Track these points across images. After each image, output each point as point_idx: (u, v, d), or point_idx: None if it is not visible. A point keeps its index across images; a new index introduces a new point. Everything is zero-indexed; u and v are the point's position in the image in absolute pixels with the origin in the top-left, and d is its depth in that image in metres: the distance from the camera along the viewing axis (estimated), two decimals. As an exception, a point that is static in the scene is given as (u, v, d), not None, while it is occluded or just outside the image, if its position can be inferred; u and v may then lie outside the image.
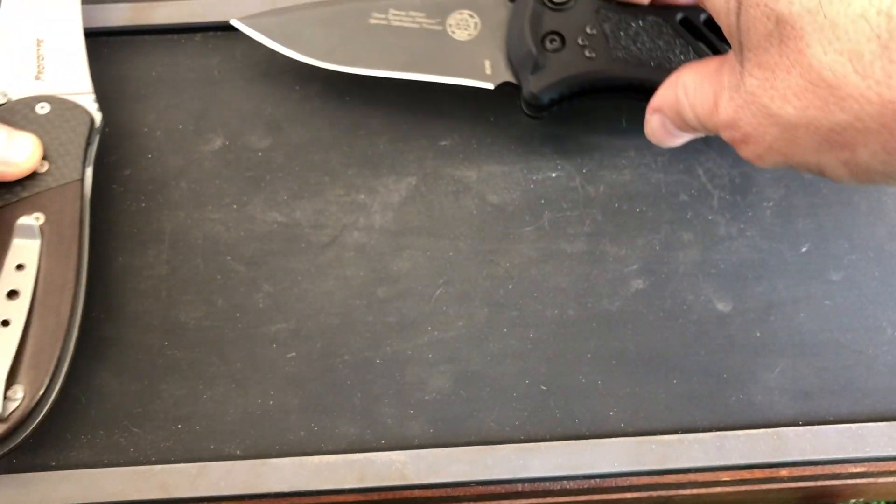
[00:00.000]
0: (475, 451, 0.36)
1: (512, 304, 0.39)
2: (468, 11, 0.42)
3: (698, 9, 0.39)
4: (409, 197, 0.41)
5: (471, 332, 0.38)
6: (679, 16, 0.39)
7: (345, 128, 0.43)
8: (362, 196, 0.41)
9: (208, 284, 0.39)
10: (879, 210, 0.41)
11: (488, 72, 0.41)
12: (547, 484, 0.36)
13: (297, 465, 0.36)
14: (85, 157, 0.38)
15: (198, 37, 0.46)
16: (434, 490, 0.36)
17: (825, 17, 0.25)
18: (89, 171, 0.38)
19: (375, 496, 0.36)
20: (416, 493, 0.36)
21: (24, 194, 0.36)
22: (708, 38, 0.39)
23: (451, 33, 0.41)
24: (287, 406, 0.37)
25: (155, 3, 0.45)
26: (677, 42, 0.39)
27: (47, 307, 0.35)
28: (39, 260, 0.35)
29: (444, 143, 0.43)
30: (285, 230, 0.41)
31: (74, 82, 0.40)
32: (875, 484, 0.38)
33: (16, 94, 0.38)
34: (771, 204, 0.41)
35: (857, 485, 0.38)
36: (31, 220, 0.36)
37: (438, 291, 0.39)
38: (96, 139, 0.39)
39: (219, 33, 0.46)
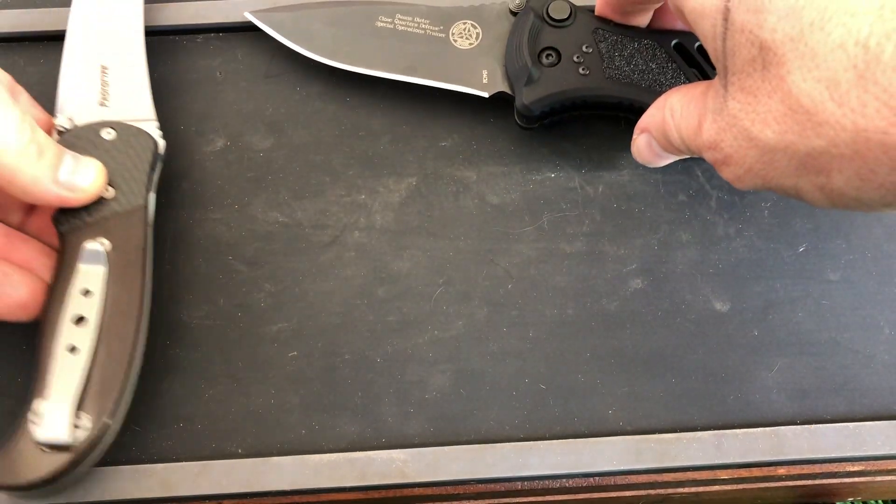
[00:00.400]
0: (475, 449, 0.36)
1: (511, 303, 0.39)
2: (471, 22, 0.43)
3: (693, 35, 0.40)
4: (409, 197, 0.42)
5: (471, 332, 0.39)
6: (674, 41, 0.40)
7: (346, 129, 0.43)
8: (363, 196, 0.42)
9: (210, 284, 0.40)
10: (877, 210, 0.41)
11: (485, 81, 0.42)
12: (546, 482, 0.36)
13: (298, 464, 0.36)
14: (149, 183, 0.38)
15: (199, 38, 0.46)
16: (434, 488, 0.36)
17: (806, 45, 0.25)
18: (152, 197, 0.38)
19: (376, 494, 0.36)
20: (417, 491, 0.36)
21: (90, 220, 0.36)
22: (700, 65, 0.41)
23: (453, 41, 0.42)
24: (288, 405, 0.37)
25: (156, 5, 0.46)
26: (669, 66, 0.40)
27: (113, 334, 0.34)
28: (105, 286, 0.35)
29: (444, 143, 0.43)
30: (286, 230, 0.41)
31: (137, 109, 0.40)
32: (873, 483, 0.38)
33: (81, 120, 0.38)
34: (769, 204, 0.41)
35: (854, 483, 0.38)
36: (97, 245, 0.35)
37: (438, 291, 0.40)
38: (159, 165, 0.39)
39: (220, 34, 0.46)
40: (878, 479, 0.37)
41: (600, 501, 0.38)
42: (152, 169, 0.38)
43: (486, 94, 0.42)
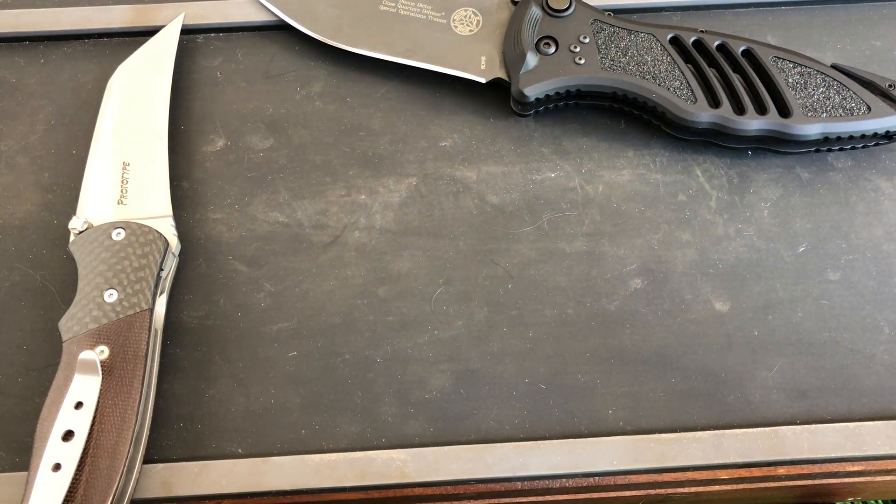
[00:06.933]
0: (475, 449, 0.36)
1: (511, 303, 0.39)
2: (472, 9, 0.44)
3: (689, 30, 0.42)
4: (409, 197, 0.42)
5: (471, 332, 0.39)
6: (670, 35, 0.41)
7: (346, 129, 0.43)
8: (363, 196, 0.42)
9: (210, 284, 0.40)
10: (877, 210, 0.41)
11: (483, 67, 0.42)
12: (546, 482, 0.36)
13: (298, 464, 0.36)
14: (156, 286, 0.36)
15: (200, 38, 0.46)
16: (434, 488, 0.36)
17: None
18: (161, 300, 0.37)
19: (376, 494, 0.36)
20: (417, 490, 0.36)
21: (92, 326, 0.35)
22: (695, 60, 0.41)
23: (453, 27, 0.43)
24: (288, 405, 0.37)
25: (157, 5, 0.46)
26: (664, 59, 0.41)
27: (102, 449, 0.33)
28: (99, 398, 0.34)
29: (443, 143, 0.43)
30: (287, 230, 0.41)
31: (154, 206, 0.39)
32: (872, 482, 0.38)
33: (97, 220, 0.38)
34: (768, 204, 0.41)
35: (854, 483, 0.38)
36: (94, 354, 0.34)
37: (438, 291, 0.40)
38: (171, 265, 0.38)
39: (220, 35, 0.46)
40: (878, 478, 0.37)
41: (600, 501, 0.38)
42: (161, 269, 0.37)
43: (483, 80, 0.42)
